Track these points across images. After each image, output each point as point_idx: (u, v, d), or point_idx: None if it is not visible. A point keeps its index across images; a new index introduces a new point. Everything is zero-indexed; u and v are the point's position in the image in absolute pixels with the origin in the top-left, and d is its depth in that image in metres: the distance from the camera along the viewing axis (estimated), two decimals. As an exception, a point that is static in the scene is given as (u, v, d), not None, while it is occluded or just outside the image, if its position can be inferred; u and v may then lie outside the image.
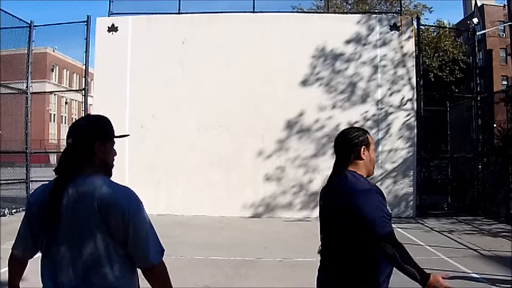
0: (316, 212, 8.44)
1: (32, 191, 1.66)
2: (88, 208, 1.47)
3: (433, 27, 18.66)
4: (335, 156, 1.94)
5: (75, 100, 46.23)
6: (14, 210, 9.51)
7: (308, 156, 9.65)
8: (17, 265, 1.68)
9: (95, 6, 32.86)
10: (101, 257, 1.47)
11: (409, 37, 9.85)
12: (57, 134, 46.36)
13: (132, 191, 1.57)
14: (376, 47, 9.79)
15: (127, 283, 1.53)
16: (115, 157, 1.67)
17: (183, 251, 6.07)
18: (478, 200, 9.95)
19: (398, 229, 7.98)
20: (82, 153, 1.56)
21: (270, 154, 9.70)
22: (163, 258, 1.56)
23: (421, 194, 9.62)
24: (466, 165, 10.65)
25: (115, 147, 1.67)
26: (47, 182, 1.62)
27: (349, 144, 1.86)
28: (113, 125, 1.68)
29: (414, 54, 9.90)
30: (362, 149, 1.86)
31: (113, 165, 1.66)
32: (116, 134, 1.67)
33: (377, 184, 9.10)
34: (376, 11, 17.68)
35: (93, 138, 1.58)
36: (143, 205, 1.55)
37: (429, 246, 6.59)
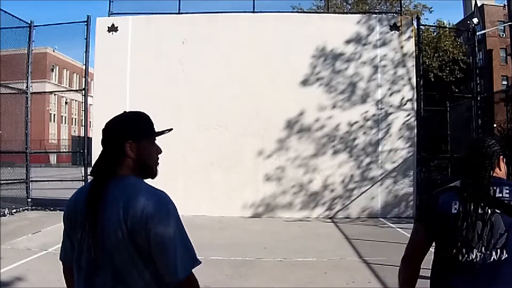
0: (316, 212, 8.40)
1: (73, 193, 1.54)
2: (115, 216, 1.34)
3: (433, 27, 18.67)
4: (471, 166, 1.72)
5: (75, 100, 46.31)
6: (14, 210, 9.52)
7: (308, 156, 9.64)
8: (68, 274, 1.55)
9: (95, 6, 32.94)
10: (127, 274, 1.35)
11: (409, 37, 9.84)
12: (57, 134, 46.39)
13: (163, 195, 1.39)
14: (376, 47, 9.78)
15: None
16: (159, 156, 1.52)
17: (183, 251, 6.06)
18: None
19: (398, 229, 7.98)
20: (113, 154, 1.43)
21: (270, 154, 9.70)
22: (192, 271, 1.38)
23: (421, 194, 9.61)
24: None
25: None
26: (83, 187, 1.53)
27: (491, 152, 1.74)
28: (151, 121, 1.52)
29: (414, 54, 9.90)
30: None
31: (156, 165, 1.51)
32: (156, 131, 1.52)
33: (377, 184, 9.01)
34: (376, 11, 17.68)
35: (122, 137, 1.44)
36: (174, 211, 1.37)
37: (429, 246, 6.58)
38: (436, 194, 1.74)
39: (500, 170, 1.73)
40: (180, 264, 1.33)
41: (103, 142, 1.47)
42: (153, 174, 1.50)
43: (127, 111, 1.56)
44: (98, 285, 1.37)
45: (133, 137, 1.45)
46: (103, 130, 1.48)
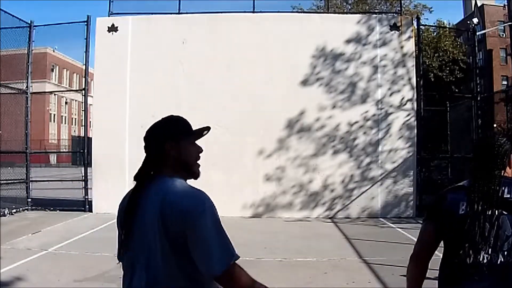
0: (316, 212, 8.40)
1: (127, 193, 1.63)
2: (152, 214, 1.40)
3: (433, 27, 18.64)
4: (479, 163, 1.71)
5: (75, 100, 46.29)
6: (14, 210, 9.52)
7: (308, 156, 9.64)
8: None
9: (95, 6, 32.74)
10: (159, 267, 1.39)
11: (409, 37, 9.84)
12: (57, 134, 46.38)
13: (199, 193, 1.43)
14: (376, 47, 9.78)
15: None
16: (199, 155, 1.58)
17: (183, 251, 6.06)
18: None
19: (398, 229, 7.98)
20: (154, 155, 1.52)
21: (270, 154, 9.70)
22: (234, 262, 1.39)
23: (421, 194, 9.62)
24: (466, 165, 10.65)
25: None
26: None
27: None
28: (189, 123, 1.62)
29: (414, 54, 9.90)
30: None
31: (196, 164, 1.56)
32: (194, 130, 1.60)
33: (377, 184, 9.01)
34: (376, 11, 17.67)
35: (162, 137, 1.53)
36: (210, 208, 1.40)
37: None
38: (444, 193, 1.73)
39: (510, 168, 1.70)
40: (216, 260, 1.35)
41: (145, 148, 1.56)
42: (194, 173, 1.56)
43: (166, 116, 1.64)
44: (135, 282, 1.43)
45: (172, 137, 1.53)
46: (144, 137, 1.57)
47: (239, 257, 1.40)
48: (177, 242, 1.37)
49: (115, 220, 1.58)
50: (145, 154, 1.57)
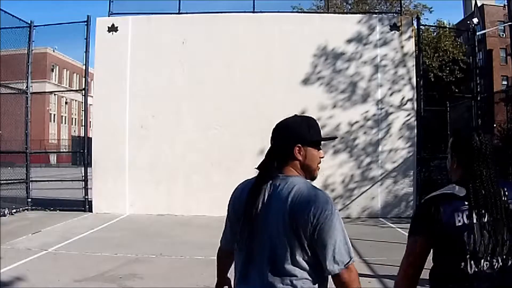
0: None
1: (243, 181, 1.72)
2: (281, 208, 1.49)
3: (433, 27, 18.66)
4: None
5: (75, 100, 46.34)
6: (14, 210, 9.52)
7: (308, 156, 9.62)
8: (223, 256, 1.82)
9: (95, 6, 32.71)
10: (283, 261, 1.48)
11: (409, 37, 9.84)
12: (57, 134, 46.37)
13: (327, 196, 1.54)
14: (377, 46, 9.77)
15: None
16: (321, 160, 1.67)
17: (183, 251, 6.05)
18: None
19: (398, 229, 7.97)
20: (282, 155, 1.62)
21: (270, 154, 9.68)
22: (343, 267, 1.47)
23: (421, 194, 9.60)
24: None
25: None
26: (249, 179, 1.67)
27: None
28: (319, 128, 1.65)
29: (414, 54, 9.89)
30: None
31: (318, 168, 1.68)
32: (323, 138, 1.68)
33: (377, 184, 8.99)
34: (376, 11, 17.67)
35: (292, 140, 1.61)
36: (336, 211, 1.52)
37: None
38: (434, 203, 1.62)
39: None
40: (336, 260, 1.47)
41: (273, 140, 1.67)
42: (313, 177, 1.67)
43: (298, 114, 1.69)
44: (254, 273, 1.52)
45: (302, 141, 1.60)
46: (274, 130, 1.67)
47: (354, 260, 1.51)
48: (304, 238, 1.46)
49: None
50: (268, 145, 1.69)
